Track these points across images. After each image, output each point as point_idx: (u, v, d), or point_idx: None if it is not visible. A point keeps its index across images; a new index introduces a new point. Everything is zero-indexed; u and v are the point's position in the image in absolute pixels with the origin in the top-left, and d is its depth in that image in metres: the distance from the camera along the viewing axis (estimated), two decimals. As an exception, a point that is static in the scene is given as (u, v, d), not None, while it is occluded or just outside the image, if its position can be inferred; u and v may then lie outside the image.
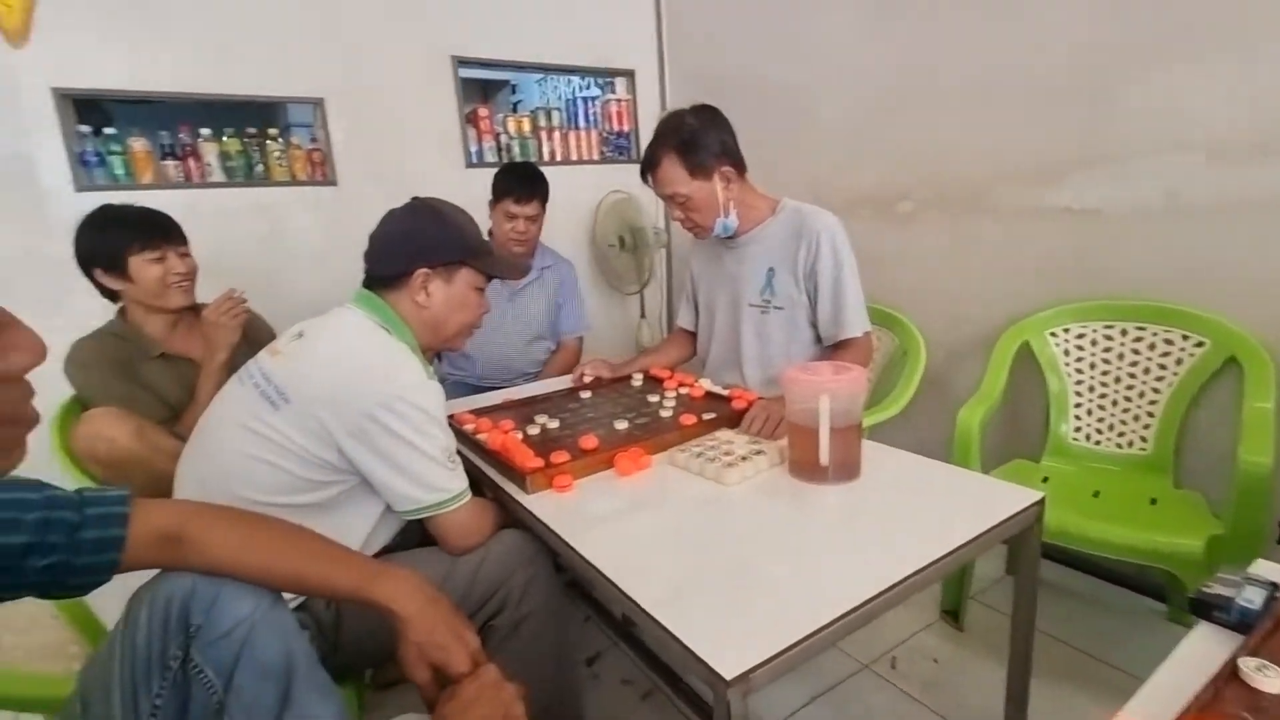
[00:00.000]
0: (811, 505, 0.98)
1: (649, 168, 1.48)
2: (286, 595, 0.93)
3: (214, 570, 0.64)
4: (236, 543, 0.66)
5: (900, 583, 0.76)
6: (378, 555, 1.04)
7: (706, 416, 1.28)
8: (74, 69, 1.95)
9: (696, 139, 1.41)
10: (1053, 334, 1.70)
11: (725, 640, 0.66)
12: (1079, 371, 1.67)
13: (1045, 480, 1.57)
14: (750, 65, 2.55)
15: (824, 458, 0.98)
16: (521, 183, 1.99)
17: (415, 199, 1.14)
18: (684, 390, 1.50)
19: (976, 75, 1.83)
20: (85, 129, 2.04)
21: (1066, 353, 1.69)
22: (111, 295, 1.44)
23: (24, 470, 0.86)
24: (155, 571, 0.64)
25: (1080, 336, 1.67)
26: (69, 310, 1.57)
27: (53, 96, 1.93)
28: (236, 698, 0.58)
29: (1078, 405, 1.67)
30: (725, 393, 1.43)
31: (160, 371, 1.44)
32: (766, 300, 1.55)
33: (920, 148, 2.02)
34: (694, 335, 1.79)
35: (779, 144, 2.38)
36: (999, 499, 0.95)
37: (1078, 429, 1.66)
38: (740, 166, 1.49)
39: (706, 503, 1.00)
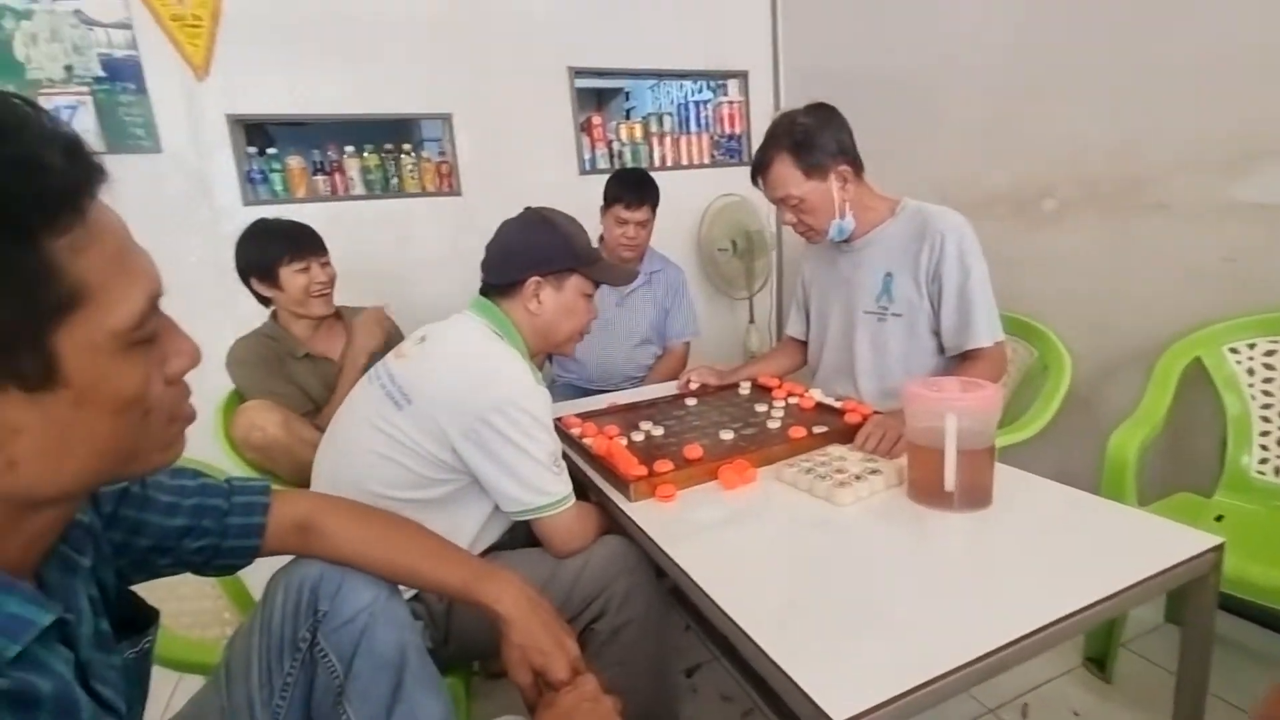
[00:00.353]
0: (934, 533, 0.90)
1: (760, 170, 1.43)
2: (401, 587, 1.00)
3: (339, 559, 0.69)
4: (359, 535, 0.71)
5: (1040, 630, 0.68)
6: (485, 553, 1.08)
7: (817, 430, 1.22)
8: (244, 97, 2.19)
9: (811, 138, 1.35)
10: (1233, 349, 1.47)
11: (835, 676, 0.62)
12: (1267, 394, 1.43)
13: (1219, 519, 1.36)
14: (869, 60, 2.43)
15: (949, 482, 0.90)
16: (632, 189, 2.01)
17: (528, 209, 1.18)
18: (793, 400, 1.44)
19: (1141, 55, 1.62)
20: (252, 150, 2.30)
21: (1251, 371, 1.45)
22: (265, 300, 1.60)
23: (194, 451, 0.97)
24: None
25: (1271, 354, 1.43)
26: (236, 312, 1.77)
27: (227, 122, 2.19)
28: (354, 684, 0.61)
29: (1265, 434, 1.43)
30: (838, 405, 1.36)
31: (304, 370, 1.59)
32: (884, 307, 1.45)
33: (1066, 139, 1.82)
34: (804, 344, 1.72)
35: (901, 143, 2.24)
36: (1164, 540, 0.83)
37: (1263, 460, 1.42)
38: (857, 166, 1.41)
39: (816, 523, 0.94)
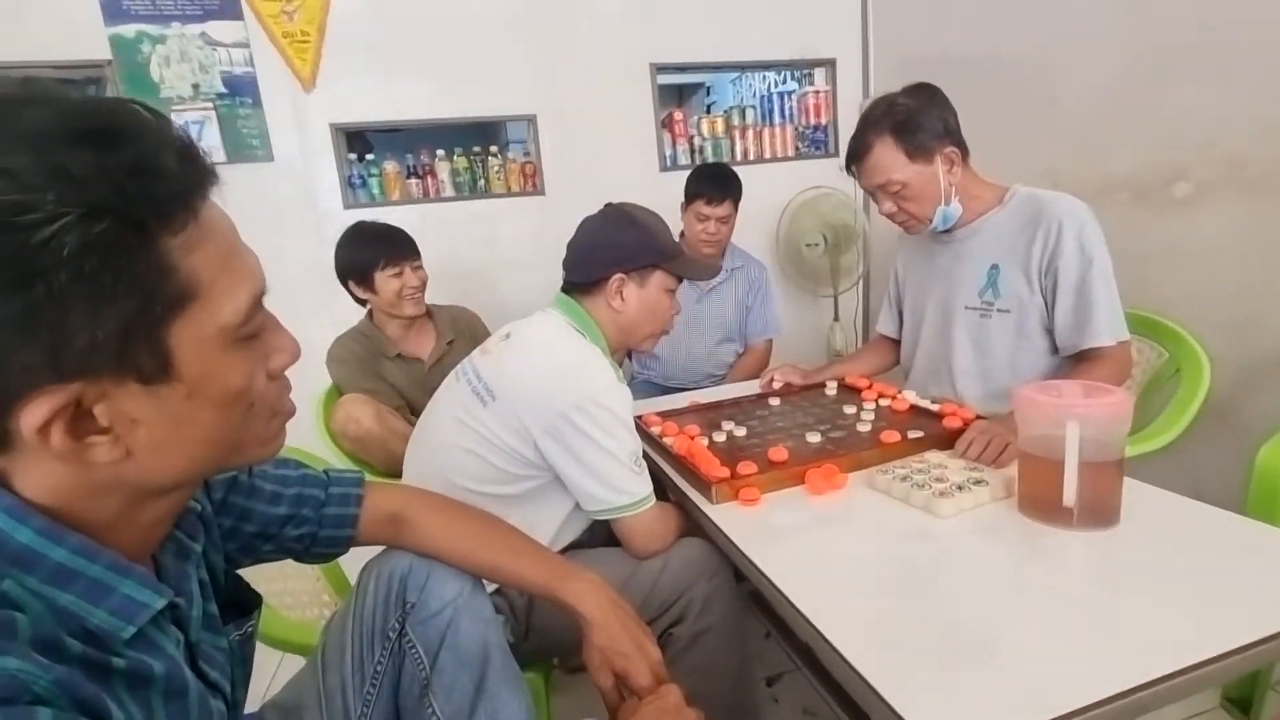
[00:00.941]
0: (1050, 553, 0.82)
1: (857, 156, 1.34)
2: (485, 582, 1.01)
3: (427, 551, 0.70)
4: (447, 529, 0.72)
5: (1180, 674, 0.59)
6: (564, 551, 1.09)
7: (912, 435, 1.14)
8: (346, 106, 2.32)
9: (915, 119, 1.26)
10: None
11: (932, 704, 0.57)
12: None
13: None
14: (968, 41, 2.27)
15: (1069, 498, 0.81)
16: (713, 184, 1.97)
17: (608, 205, 1.17)
18: (885, 402, 1.36)
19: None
20: (352, 156, 2.43)
21: None
22: (361, 301, 1.68)
23: (296, 441, 1.02)
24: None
25: None
26: (335, 310, 1.87)
27: (330, 131, 2.32)
28: (439, 677, 0.62)
29: None
30: (935, 408, 1.27)
31: (396, 369, 1.66)
32: (988, 303, 1.34)
33: (1201, 118, 1.63)
34: (896, 343, 1.63)
35: (1006, 130, 2.07)
36: (1334, 573, 0.71)
37: None
38: (964, 150, 1.30)
39: (912, 535, 0.88)
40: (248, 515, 0.61)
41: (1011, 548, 0.84)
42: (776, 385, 1.53)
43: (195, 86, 2.16)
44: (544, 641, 1.02)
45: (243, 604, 0.59)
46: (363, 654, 0.66)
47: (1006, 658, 0.63)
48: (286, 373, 0.48)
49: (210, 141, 2.19)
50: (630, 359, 2.24)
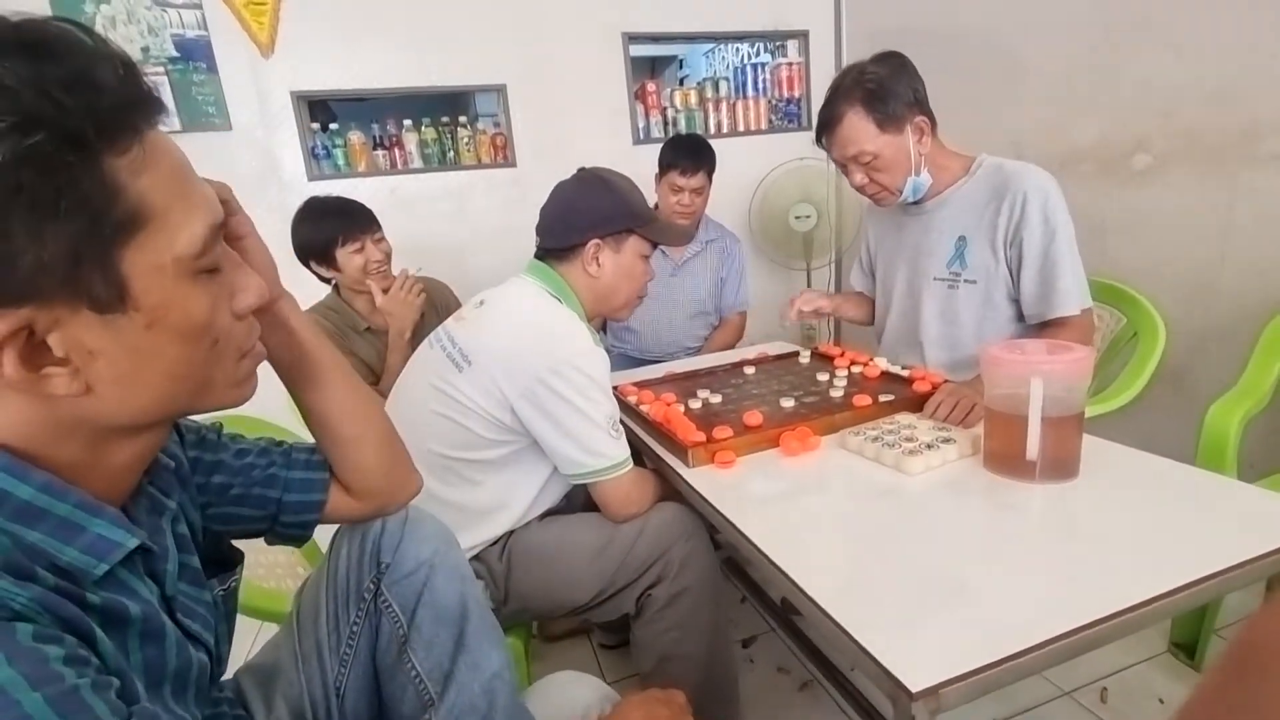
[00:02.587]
0: (1013, 505, 0.85)
1: (827, 127, 1.34)
2: (464, 545, 1.00)
3: None
4: None
5: (1130, 610, 0.62)
6: (543, 516, 1.09)
7: (883, 398, 1.17)
8: (307, 73, 2.24)
9: (885, 88, 1.26)
10: (1356, 315, 1.32)
11: (907, 647, 0.59)
12: (1396, 365, 1.29)
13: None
14: (938, 13, 2.28)
15: (1032, 451, 0.84)
16: (687, 154, 1.96)
17: (582, 170, 1.16)
18: (857, 369, 1.38)
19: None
20: (315, 126, 2.35)
21: (1377, 340, 1.31)
22: (326, 279, 1.64)
23: (266, 415, 0.99)
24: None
25: (1401, 319, 1.28)
26: (304, 286, 1.81)
27: (292, 99, 2.24)
28: (417, 634, 0.62)
29: (1391, 408, 1.29)
30: (905, 373, 1.30)
31: (365, 343, 1.63)
32: (955, 274, 1.36)
33: (1161, 88, 1.67)
34: (872, 301, 1.64)
35: (971, 101, 2.10)
36: (1271, 518, 0.75)
37: (1389, 438, 1.29)
38: (933, 119, 1.32)
39: (883, 492, 0.90)
40: (216, 468, 0.59)
41: (977, 501, 0.87)
42: (806, 311, 1.50)
43: (145, 50, 2.06)
44: (523, 605, 1.03)
45: (225, 560, 0.58)
46: (338, 615, 0.65)
47: (973, 602, 0.66)
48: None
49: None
50: (605, 332, 2.24)
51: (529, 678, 1.05)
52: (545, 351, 0.97)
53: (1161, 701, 1.22)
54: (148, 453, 0.46)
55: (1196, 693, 0.28)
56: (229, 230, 0.53)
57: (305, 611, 0.67)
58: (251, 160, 2.24)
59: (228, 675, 0.65)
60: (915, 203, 1.39)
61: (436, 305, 1.69)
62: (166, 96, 2.10)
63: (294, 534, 0.64)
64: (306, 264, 1.60)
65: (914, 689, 0.54)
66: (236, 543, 0.63)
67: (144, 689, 0.40)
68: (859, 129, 1.29)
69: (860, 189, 1.38)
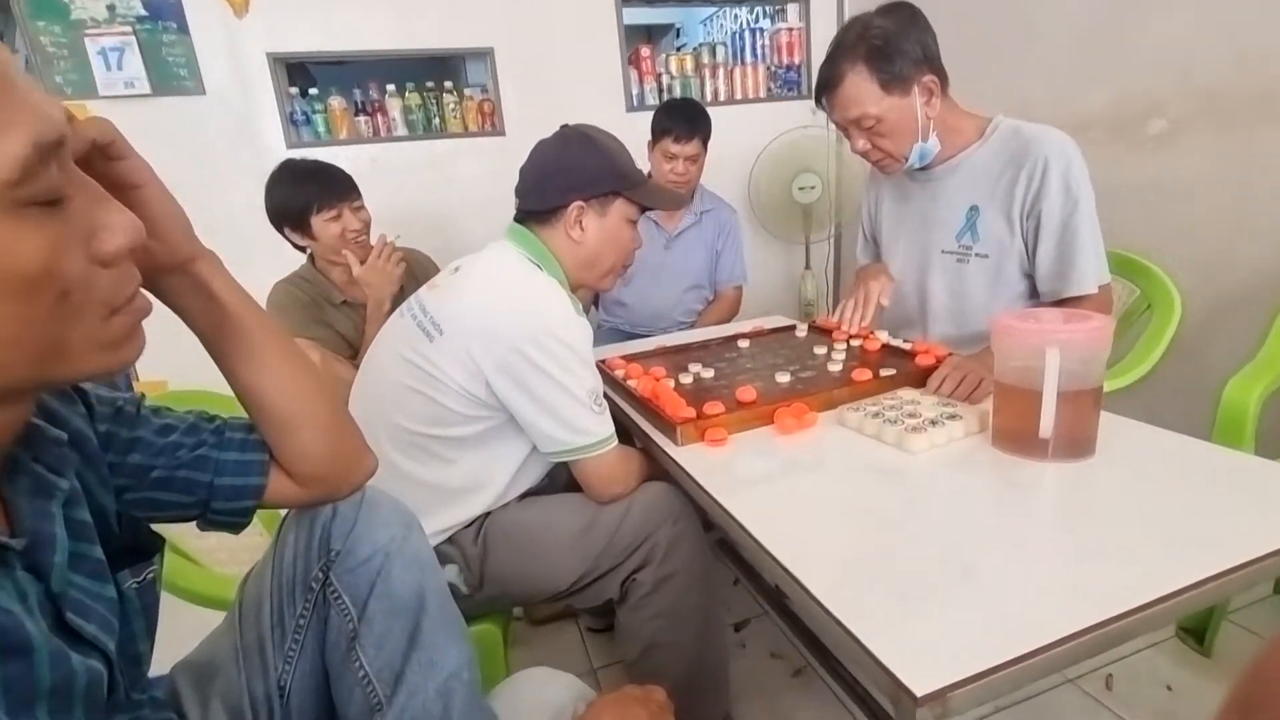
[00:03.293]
0: (1025, 485, 0.79)
1: (827, 87, 1.24)
2: (437, 527, 0.95)
3: None
4: None
5: (1156, 603, 0.56)
6: (523, 496, 1.03)
7: (884, 373, 1.10)
8: (284, 35, 2.14)
9: (892, 45, 1.15)
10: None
11: (910, 644, 0.53)
12: None
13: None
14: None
15: (1045, 428, 0.78)
16: (681, 120, 1.87)
17: (565, 127, 1.08)
18: (856, 343, 1.31)
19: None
20: (294, 91, 2.25)
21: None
22: (301, 248, 1.56)
23: (208, 387, 0.91)
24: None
25: None
26: (284, 256, 1.73)
27: (268, 61, 2.14)
28: (368, 629, 0.56)
29: None
30: (907, 347, 1.23)
31: (342, 317, 1.55)
32: (966, 247, 1.28)
33: (1177, 50, 1.57)
34: None
35: (978, 63, 1.98)
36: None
37: None
38: (943, 77, 1.22)
39: (883, 472, 0.84)
40: (133, 445, 0.52)
41: (985, 481, 0.81)
42: (885, 303, 1.35)
43: (110, 8, 1.96)
44: (500, 590, 0.97)
45: (143, 549, 0.51)
46: (283, 607, 0.59)
47: (981, 593, 0.60)
48: None
49: (132, 71, 2.00)
50: (596, 307, 2.17)
51: (506, 667, 1.00)
52: (522, 320, 0.90)
53: (1169, 689, 1.18)
54: (7, 429, 0.39)
55: None
56: (118, 178, 0.45)
57: (248, 603, 0.61)
58: (226, 126, 2.14)
59: (161, 672, 0.60)
60: (923, 169, 1.30)
61: (417, 276, 1.61)
62: (135, 59, 2.00)
63: (229, 521, 0.57)
64: (281, 230, 1.52)
65: (919, 693, 0.48)
66: (189, 530, 0.56)
67: (4, 713, 0.34)
68: (861, 90, 1.19)
69: (864, 155, 1.29)
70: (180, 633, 0.67)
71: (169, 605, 0.82)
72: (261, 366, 0.56)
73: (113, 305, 0.38)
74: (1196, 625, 1.26)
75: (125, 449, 0.52)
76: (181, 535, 0.93)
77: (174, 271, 0.51)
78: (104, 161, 0.45)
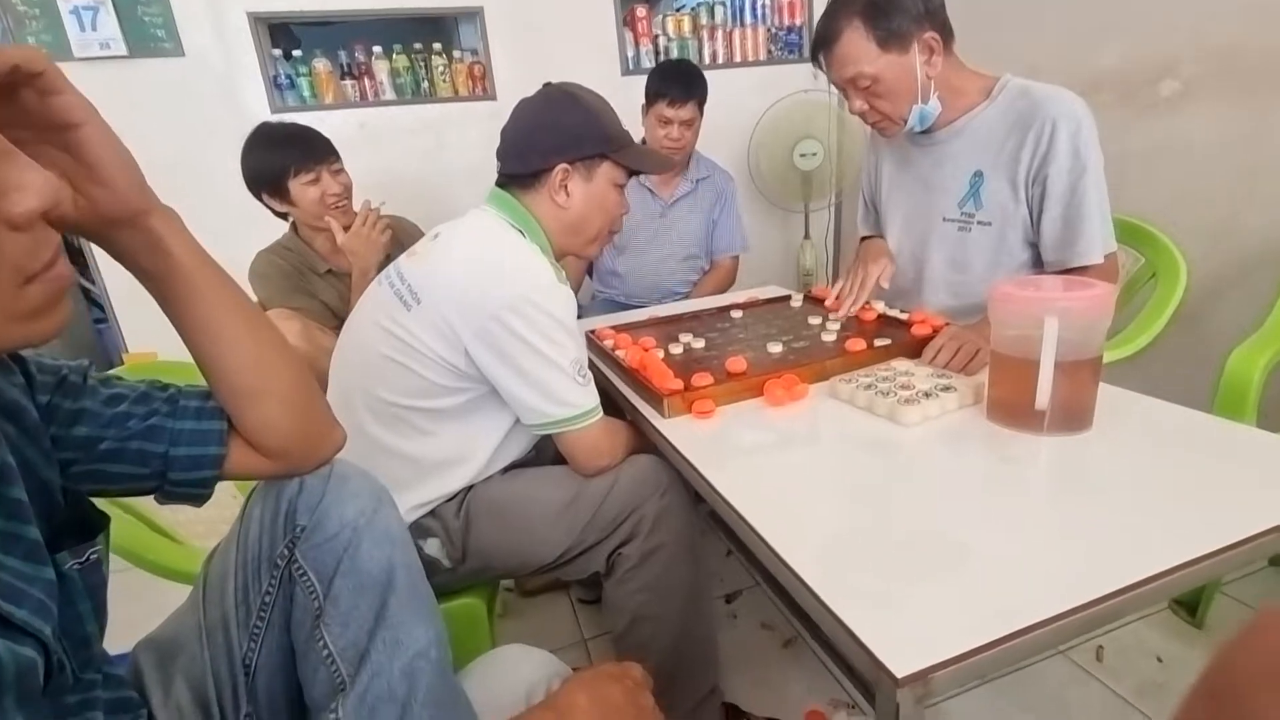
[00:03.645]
0: (1019, 460, 0.77)
1: (823, 45, 1.18)
2: (417, 501, 0.93)
3: None
4: None
5: (1150, 580, 0.54)
6: (507, 469, 1.01)
7: (879, 343, 1.07)
8: (265, -8, 2.06)
9: (892, 0, 1.10)
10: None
11: (895, 624, 0.51)
12: None
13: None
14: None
15: (1042, 399, 0.75)
16: (676, 82, 1.80)
17: (548, 85, 1.03)
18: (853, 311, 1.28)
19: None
20: (276, 53, 2.18)
21: None
22: (282, 215, 1.52)
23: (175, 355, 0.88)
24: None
25: None
26: (271, 224, 1.69)
27: (249, 21, 2.06)
28: (334, 605, 0.54)
29: None
30: (904, 316, 1.20)
31: (327, 286, 1.52)
32: (969, 214, 1.23)
33: (1197, 5, 1.50)
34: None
35: (982, 23, 1.91)
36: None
37: None
38: (947, 33, 1.15)
39: (875, 445, 0.82)
40: (78, 417, 0.50)
41: (979, 455, 0.78)
42: (884, 284, 1.31)
43: (83, -36, 1.88)
44: (483, 563, 0.95)
45: (87, 527, 0.49)
46: (248, 584, 0.57)
47: (971, 570, 0.58)
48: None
49: (108, 32, 1.93)
50: (591, 277, 2.13)
51: (492, 639, 0.99)
52: (502, 287, 0.87)
53: (1160, 660, 1.17)
54: None
55: None
56: (52, 116, 0.40)
57: (212, 580, 0.59)
58: (207, 90, 2.07)
59: (124, 650, 0.58)
60: (925, 132, 1.25)
61: (404, 244, 1.56)
62: (110, 19, 1.93)
63: (189, 493, 0.55)
64: (259, 196, 1.48)
65: (899, 674, 0.46)
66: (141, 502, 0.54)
67: None
68: (858, 48, 1.13)
69: (861, 116, 1.23)
70: (165, 609, 0.65)
71: (146, 582, 0.81)
72: (222, 333, 0.53)
73: (27, 273, 0.35)
74: (1189, 597, 1.25)
75: (70, 421, 0.49)
76: (158, 509, 0.91)
77: (123, 225, 0.46)
78: (35, 97, 0.40)
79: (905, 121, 1.19)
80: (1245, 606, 1.27)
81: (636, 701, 0.52)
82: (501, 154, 1.01)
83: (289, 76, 2.19)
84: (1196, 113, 1.55)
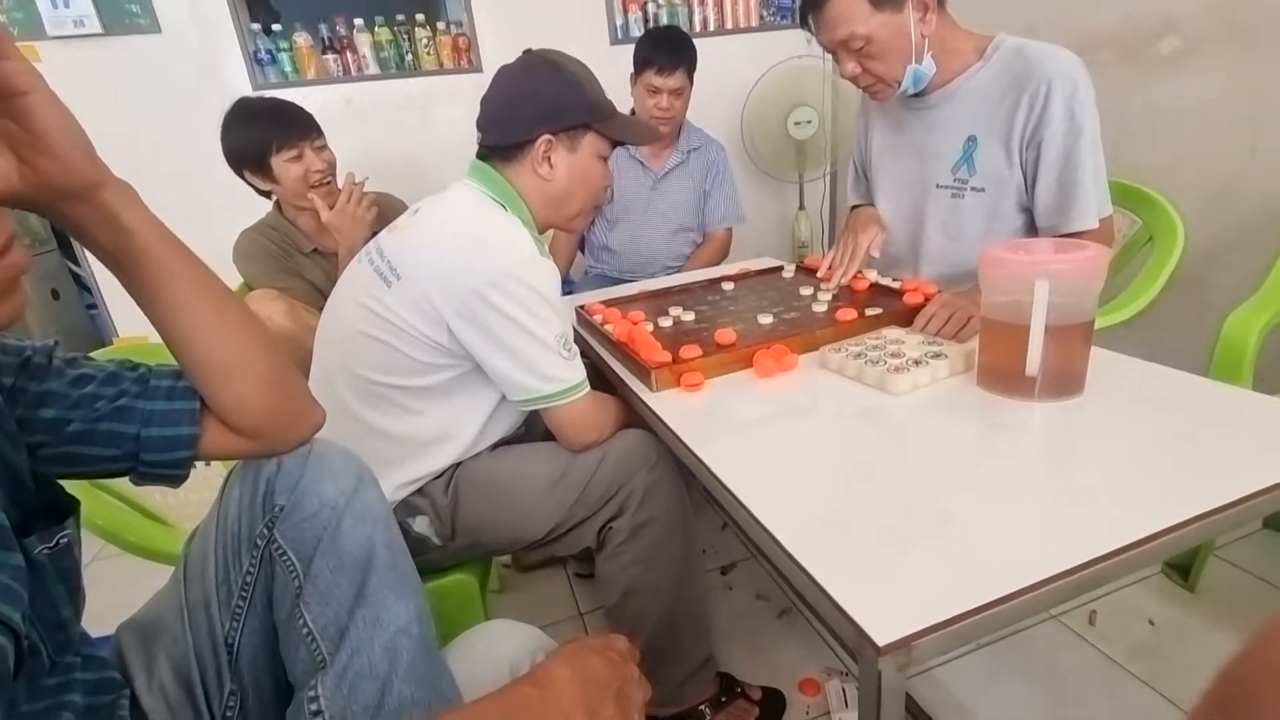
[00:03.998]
0: (1009, 426, 0.76)
1: (814, 6, 1.14)
2: (405, 479, 0.93)
3: None
4: None
5: (1138, 544, 0.54)
6: (496, 446, 1.00)
7: (870, 312, 1.06)
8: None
9: None
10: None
11: (880, 593, 0.51)
12: None
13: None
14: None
15: (1032, 365, 0.74)
16: (664, 50, 1.76)
17: (528, 52, 1.00)
18: (844, 282, 1.26)
19: None
20: (256, 27, 2.12)
21: None
22: (266, 194, 1.49)
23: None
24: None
25: None
26: (254, 203, 1.67)
27: (224, -11, 2.00)
28: (314, 585, 0.54)
29: None
30: (896, 285, 1.18)
31: (313, 265, 1.50)
32: (962, 181, 1.20)
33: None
34: None
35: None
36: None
37: None
38: None
39: (864, 415, 0.81)
40: (44, 399, 0.49)
41: (969, 423, 0.77)
42: (875, 254, 1.27)
43: (52, -63, 1.82)
44: (473, 540, 0.95)
45: (57, 511, 0.48)
46: (228, 564, 0.57)
47: (958, 538, 0.57)
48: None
49: (81, 8, 1.87)
50: (583, 252, 2.11)
51: (485, 614, 0.99)
52: (483, 262, 0.85)
53: (1152, 624, 1.18)
54: None
55: None
56: None
57: (193, 561, 0.59)
58: (185, 67, 2.03)
59: (105, 631, 0.58)
60: (917, 95, 1.22)
61: (386, 219, 1.54)
62: (83, -7, 1.87)
63: (165, 474, 0.54)
64: (241, 174, 1.45)
65: (881, 642, 0.45)
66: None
67: None
68: (850, 7, 1.09)
69: (853, 79, 1.20)
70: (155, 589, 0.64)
71: (138, 565, 0.81)
72: (186, 311, 0.51)
73: None
74: (1182, 561, 1.25)
75: (36, 403, 0.48)
76: (146, 491, 0.90)
77: (73, 199, 0.44)
78: None
79: (899, 84, 1.16)
80: (1239, 569, 1.28)
81: (621, 673, 0.52)
82: (482, 124, 0.99)
83: (269, 52, 2.14)
84: (1197, 70, 1.51)
